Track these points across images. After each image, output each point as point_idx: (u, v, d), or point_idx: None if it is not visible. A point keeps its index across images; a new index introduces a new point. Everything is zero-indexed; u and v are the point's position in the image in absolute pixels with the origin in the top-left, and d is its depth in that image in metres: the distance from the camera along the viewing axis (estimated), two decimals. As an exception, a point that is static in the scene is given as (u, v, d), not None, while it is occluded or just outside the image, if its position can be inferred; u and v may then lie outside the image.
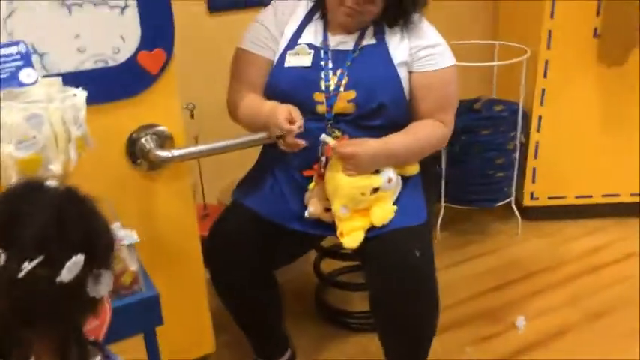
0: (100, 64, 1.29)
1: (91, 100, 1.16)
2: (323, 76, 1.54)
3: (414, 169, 1.62)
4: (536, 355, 1.92)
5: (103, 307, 1.10)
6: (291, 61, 1.56)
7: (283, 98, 1.54)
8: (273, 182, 1.64)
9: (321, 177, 1.53)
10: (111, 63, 1.30)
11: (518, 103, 2.47)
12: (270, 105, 1.52)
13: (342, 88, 1.53)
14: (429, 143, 1.61)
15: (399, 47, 1.55)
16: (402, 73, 1.55)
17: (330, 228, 1.55)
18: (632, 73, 2.42)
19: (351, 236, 1.50)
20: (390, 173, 1.51)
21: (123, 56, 1.30)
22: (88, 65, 1.28)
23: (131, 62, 1.31)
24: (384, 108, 1.54)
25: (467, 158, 2.45)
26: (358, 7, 1.49)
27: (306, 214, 1.54)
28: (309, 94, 1.54)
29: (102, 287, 0.82)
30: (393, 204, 1.54)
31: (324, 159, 1.52)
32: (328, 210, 1.52)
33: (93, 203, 0.86)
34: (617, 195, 2.67)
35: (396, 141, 1.53)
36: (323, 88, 1.54)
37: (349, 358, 1.93)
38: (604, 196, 2.67)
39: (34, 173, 1.08)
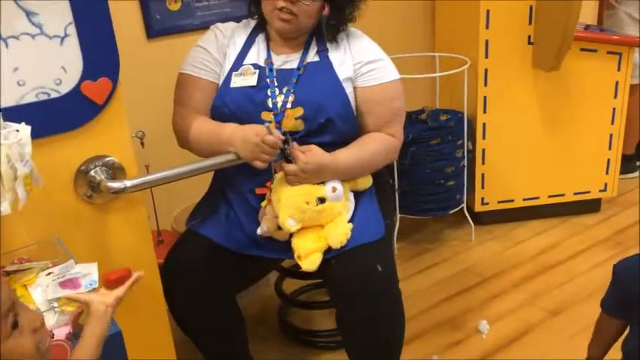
0: (42, 97, 1.24)
1: (35, 134, 1.11)
2: (270, 94, 1.54)
3: (366, 183, 1.62)
4: (502, 358, 1.95)
5: (62, 350, 1.05)
6: (236, 81, 1.55)
7: (231, 119, 1.53)
8: (227, 208, 1.62)
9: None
10: (53, 95, 1.25)
11: (462, 112, 2.53)
12: (233, 127, 1.50)
13: (288, 105, 1.53)
14: (378, 156, 1.61)
15: (343, 64, 1.57)
16: (348, 88, 1.56)
17: (288, 251, 1.54)
18: (567, 77, 2.52)
19: (309, 259, 1.49)
20: (333, 182, 1.51)
21: (66, 87, 1.25)
22: (30, 98, 1.22)
23: (75, 93, 1.26)
24: (332, 123, 1.54)
25: (418, 168, 2.49)
26: (292, 7, 1.48)
27: (259, 230, 1.52)
28: (256, 114, 1.53)
29: None
30: (350, 221, 1.54)
31: (276, 176, 1.51)
32: (281, 228, 1.50)
33: None
34: (562, 195, 2.77)
35: (343, 156, 1.54)
36: (270, 106, 1.53)
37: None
38: (550, 196, 2.76)
39: (-21, 215, 1.02)
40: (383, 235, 1.56)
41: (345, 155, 1.54)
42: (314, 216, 1.49)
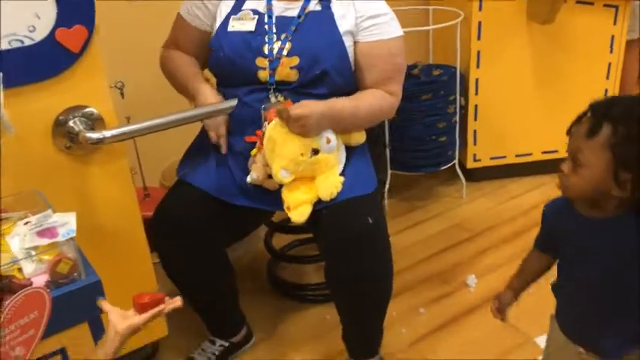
0: (16, 44, 1.21)
1: (9, 83, 1.10)
2: (267, 40, 1.51)
3: (359, 138, 1.60)
4: (488, 311, 1.96)
5: (40, 298, 1.05)
6: (234, 25, 1.54)
7: (226, 64, 1.53)
8: (217, 156, 1.61)
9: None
10: (27, 42, 1.22)
11: (455, 67, 2.49)
12: (206, 96, 1.56)
13: (285, 52, 1.50)
14: (375, 112, 1.58)
15: (345, 16, 1.53)
16: (348, 42, 1.53)
17: (278, 203, 1.53)
18: (562, 31, 2.47)
19: (298, 210, 1.48)
20: (327, 134, 1.49)
21: (39, 35, 1.23)
22: (2, 46, 1.20)
23: (49, 41, 1.23)
24: (327, 75, 1.51)
25: (409, 124, 2.46)
26: None
27: (248, 179, 1.50)
28: (251, 60, 1.51)
29: None
30: (341, 174, 1.53)
31: (266, 124, 1.49)
32: (272, 177, 1.49)
33: None
34: (555, 151, 2.75)
35: (341, 104, 1.51)
36: (266, 52, 1.51)
37: (306, 329, 1.93)
38: (543, 152, 2.74)
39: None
40: (375, 189, 1.55)
41: (342, 104, 1.51)
42: (307, 167, 1.47)
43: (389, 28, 1.55)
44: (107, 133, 1.32)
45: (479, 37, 2.50)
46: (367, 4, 1.55)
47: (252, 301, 2.02)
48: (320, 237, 1.59)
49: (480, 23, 2.48)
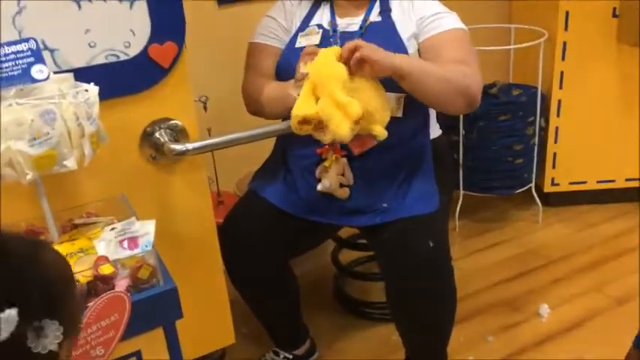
0: (112, 59, 1.28)
1: (103, 95, 1.15)
2: None
3: (381, 132, 1.40)
4: (559, 344, 1.89)
5: (121, 301, 1.11)
6: (301, 42, 1.56)
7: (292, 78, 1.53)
8: (285, 172, 1.64)
9: (338, 151, 1.49)
10: (122, 57, 1.29)
11: (536, 87, 2.42)
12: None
13: None
14: (450, 75, 1.40)
15: (405, 23, 1.52)
16: (411, 48, 1.50)
17: (342, 217, 1.54)
18: (654, 53, 2.36)
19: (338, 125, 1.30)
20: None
21: (134, 50, 1.29)
22: (100, 60, 1.27)
23: (142, 56, 1.30)
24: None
25: (485, 144, 2.42)
26: None
27: (319, 187, 1.49)
28: None
29: (48, 341, 0.71)
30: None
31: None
32: (343, 186, 1.48)
33: (30, 246, 0.77)
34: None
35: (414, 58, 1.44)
36: None
37: (370, 348, 1.92)
38: (627, 180, 2.61)
39: (49, 169, 1.08)
40: (436, 209, 1.53)
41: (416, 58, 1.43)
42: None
43: (449, 20, 1.50)
44: (190, 146, 1.37)
45: (563, 58, 2.43)
46: (425, 7, 1.52)
47: (317, 315, 2.03)
48: (380, 258, 1.58)
49: (564, 43, 2.40)
